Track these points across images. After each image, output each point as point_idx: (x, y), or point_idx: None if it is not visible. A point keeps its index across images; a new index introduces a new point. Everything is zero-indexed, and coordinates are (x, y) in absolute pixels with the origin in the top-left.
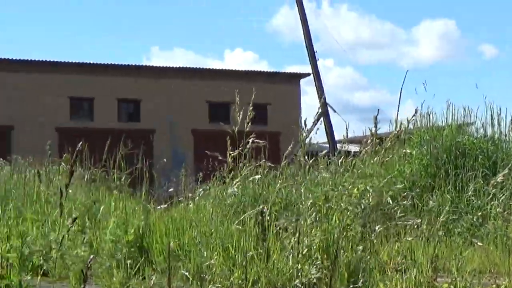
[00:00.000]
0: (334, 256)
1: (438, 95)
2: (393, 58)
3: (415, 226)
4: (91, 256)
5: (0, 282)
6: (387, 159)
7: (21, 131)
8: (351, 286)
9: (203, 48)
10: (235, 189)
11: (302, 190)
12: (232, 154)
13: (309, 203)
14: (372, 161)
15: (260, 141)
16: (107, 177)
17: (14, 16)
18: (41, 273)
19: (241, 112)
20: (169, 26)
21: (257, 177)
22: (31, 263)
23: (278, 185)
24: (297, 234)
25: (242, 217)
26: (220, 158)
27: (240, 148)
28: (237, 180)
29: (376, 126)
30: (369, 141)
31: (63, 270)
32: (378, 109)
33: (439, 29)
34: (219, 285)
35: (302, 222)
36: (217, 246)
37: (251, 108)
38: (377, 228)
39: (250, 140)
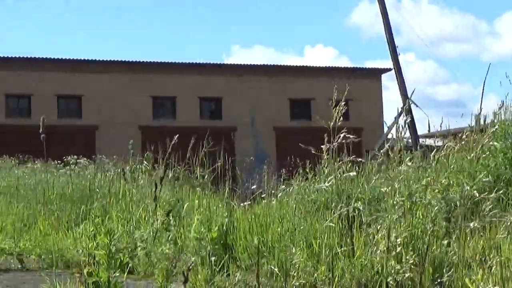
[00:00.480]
0: (424, 251)
1: None
2: (475, 51)
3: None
4: (192, 259)
5: (88, 279)
6: (484, 155)
7: (105, 130)
8: (437, 281)
9: (283, 45)
10: (326, 185)
11: (387, 185)
12: (325, 148)
13: (396, 199)
14: (468, 157)
15: (351, 136)
16: (190, 175)
17: (97, 20)
18: (127, 270)
19: (340, 109)
20: (249, 24)
21: (352, 173)
22: (119, 260)
23: (368, 180)
24: (384, 230)
25: (337, 213)
26: (314, 152)
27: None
28: (331, 177)
29: (478, 123)
30: (464, 136)
31: (148, 267)
32: (481, 108)
33: None
34: (303, 281)
35: (388, 217)
36: (301, 242)
37: (343, 103)
38: (471, 224)
39: (342, 135)
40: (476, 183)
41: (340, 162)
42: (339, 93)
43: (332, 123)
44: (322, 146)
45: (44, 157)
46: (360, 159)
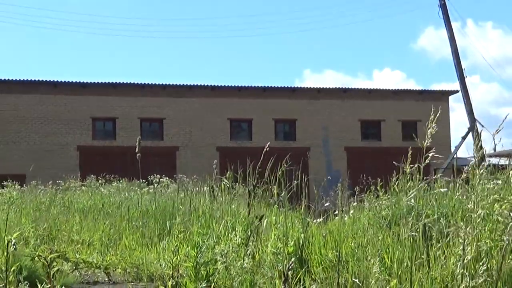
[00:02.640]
0: (494, 266)
1: None
2: None
3: None
4: (293, 259)
5: None
6: None
7: (185, 151)
8: None
9: (353, 69)
10: (412, 201)
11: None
12: (413, 167)
13: (464, 214)
14: None
15: (440, 156)
16: (267, 193)
17: (178, 46)
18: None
19: (427, 130)
20: (320, 50)
21: (443, 190)
22: (206, 272)
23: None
24: (454, 245)
25: (419, 224)
26: (404, 169)
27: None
28: (413, 191)
29: None
30: None
31: (227, 280)
32: None
33: None
34: None
35: (457, 232)
36: (373, 256)
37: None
38: None
39: (430, 155)
40: None
41: (411, 180)
42: (407, 114)
43: (425, 144)
44: (395, 163)
45: (137, 175)
46: (430, 178)
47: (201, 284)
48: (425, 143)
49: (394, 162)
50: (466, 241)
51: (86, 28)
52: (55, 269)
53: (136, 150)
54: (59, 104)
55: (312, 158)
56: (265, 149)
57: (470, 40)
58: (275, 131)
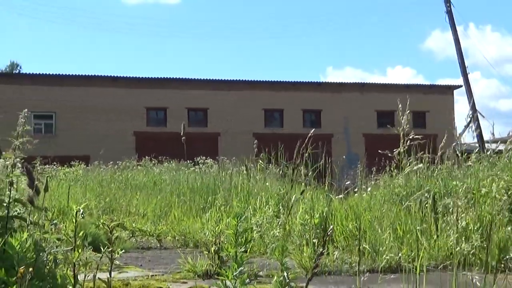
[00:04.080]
0: (487, 235)
1: None
2: None
3: None
4: (331, 227)
5: (221, 253)
6: None
7: (226, 137)
8: (502, 261)
9: (369, 66)
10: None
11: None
12: (398, 151)
13: (465, 191)
14: None
15: (419, 136)
16: (296, 172)
17: (221, 45)
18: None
19: (407, 118)
20: (340, 49)
21: (419, 165)
22: (244, 239)
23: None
24: (456, 217)
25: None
26: (389, 155)
27: (404, 146)
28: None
29: None
30: None
31: (261, 247)
32: None
33: None
34: (388, 258)
35: (457, 208)
36: (387, 227)
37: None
38: None
39: (411, 136)
40: None
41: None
42: (417, 106)
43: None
44: (395, 150)
45: (185, 157)
46: (435, 159)
47: (240, 248)
48: (400, 129)
49: (378, 150)
50: (459, 211)
51: (140, 29)
52: (116, 235)
53: (182, 134)
54: (118, 96)
55: (335, 143)
56: (309, 135)
57: (472, 41)
58: (303, 120)
